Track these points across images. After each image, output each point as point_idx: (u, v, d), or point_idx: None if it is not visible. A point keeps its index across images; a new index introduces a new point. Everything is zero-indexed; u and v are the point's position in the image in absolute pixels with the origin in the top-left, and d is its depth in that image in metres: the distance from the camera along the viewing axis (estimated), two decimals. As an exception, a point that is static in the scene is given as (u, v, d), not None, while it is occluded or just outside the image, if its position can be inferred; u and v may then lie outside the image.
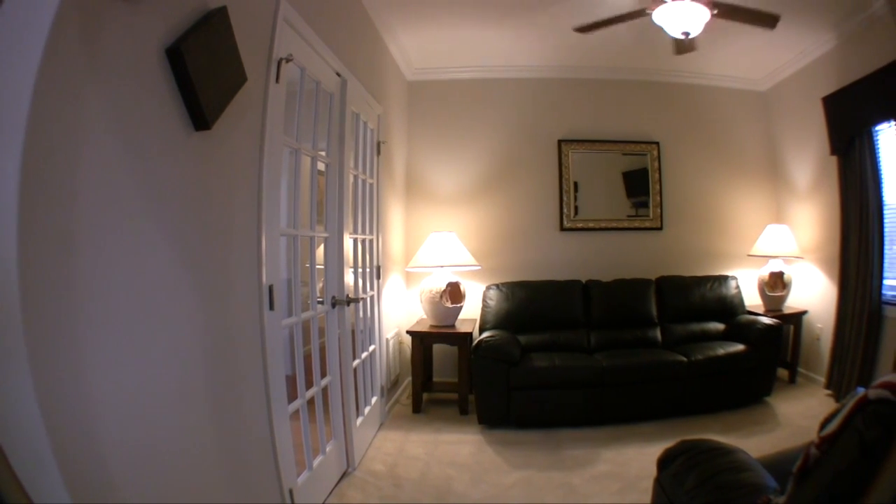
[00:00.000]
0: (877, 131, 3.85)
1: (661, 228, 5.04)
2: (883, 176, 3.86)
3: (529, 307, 4.37)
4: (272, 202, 2.11)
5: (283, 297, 2.40)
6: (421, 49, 4.38)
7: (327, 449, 2.68)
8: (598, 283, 4.57)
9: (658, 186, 5.03)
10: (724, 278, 4.76)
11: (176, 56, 1.47)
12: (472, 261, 4.31)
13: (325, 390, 2.74)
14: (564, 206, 4.91)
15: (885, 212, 3.86)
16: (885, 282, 3.87)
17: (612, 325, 4.44)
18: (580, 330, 4.42)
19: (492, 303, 4.41)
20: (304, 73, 2.40)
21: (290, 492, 2.11)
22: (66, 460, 1.08)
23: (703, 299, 4.60)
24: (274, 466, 2.04)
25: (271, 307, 2.09)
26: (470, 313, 4.54)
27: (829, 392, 4.20)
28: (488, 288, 4.49)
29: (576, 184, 4.96)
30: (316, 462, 2.51)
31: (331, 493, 2.70)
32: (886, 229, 3.87)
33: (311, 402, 2.54)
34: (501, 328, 4.25)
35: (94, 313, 1.22)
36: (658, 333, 4.45)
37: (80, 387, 1.16)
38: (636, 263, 4.90)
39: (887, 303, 3.83)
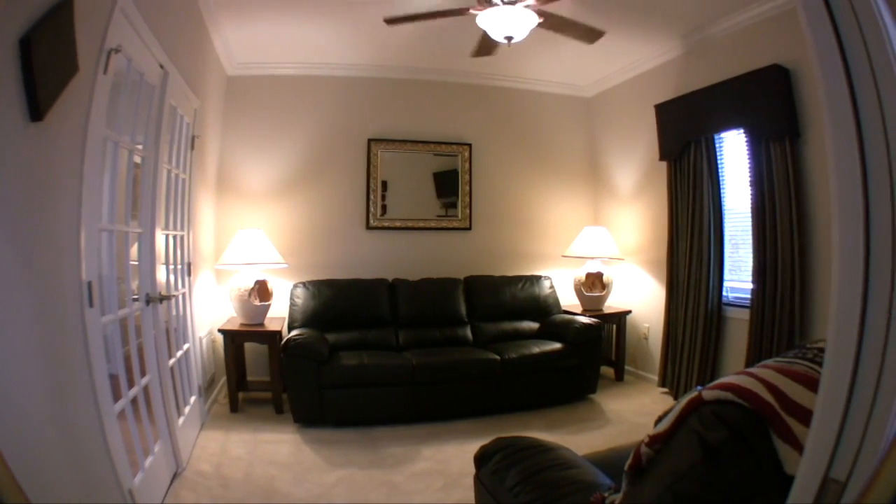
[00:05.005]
0: (720, 138, 3.91)
1: (469, 229, 5.20)
2: (724, 181, 3.93)
3: (336, 305, 4.36)
4: (93, 196, 2.04)
5: (108, 294, 2.31)
6: (244, 43, 4.26)
7: (156, 449, 2.60)
8: (404, 281, 4.65)
9: (468, 188, 5.16)
10: (538, 278, 4.91)
11: (25, 46, 1.44)
12: (279, 258, 4.32)
13: (146, 390, 2.66)
14: (371, 204, 4.96)
15: (726, 216, 3.91)
16: (726, 283, 3.92)
17: (421, 323, 4.50)
18: (388, 328, 4.45)
19: (299, 301, 4.38)
20: (131, 65, 2.32)
21: (130, 492, 2.07)
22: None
23: (515, 299, 4.72)
24: (111, 467, 1.99)
25: (91, 304, 2.03)
26: (279, 311, 4.55)
27: (665, 390, 4.29)
28: (295, 286, 4.48)
29: (385, 183, 5.01)
30: (147, 463, 2.43)
31: (166, 493, 2.63)
32: (728, 233, 3.91)
33: (135, 402, 2.46)
34: (310, 326, 4.20)
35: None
36: (469, 332, 4.56)
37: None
38: (446, 263, 5.02)
39: (728, 304, 3.88)
